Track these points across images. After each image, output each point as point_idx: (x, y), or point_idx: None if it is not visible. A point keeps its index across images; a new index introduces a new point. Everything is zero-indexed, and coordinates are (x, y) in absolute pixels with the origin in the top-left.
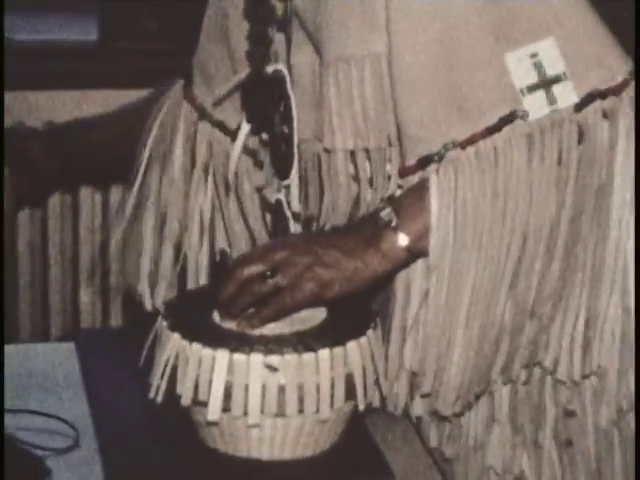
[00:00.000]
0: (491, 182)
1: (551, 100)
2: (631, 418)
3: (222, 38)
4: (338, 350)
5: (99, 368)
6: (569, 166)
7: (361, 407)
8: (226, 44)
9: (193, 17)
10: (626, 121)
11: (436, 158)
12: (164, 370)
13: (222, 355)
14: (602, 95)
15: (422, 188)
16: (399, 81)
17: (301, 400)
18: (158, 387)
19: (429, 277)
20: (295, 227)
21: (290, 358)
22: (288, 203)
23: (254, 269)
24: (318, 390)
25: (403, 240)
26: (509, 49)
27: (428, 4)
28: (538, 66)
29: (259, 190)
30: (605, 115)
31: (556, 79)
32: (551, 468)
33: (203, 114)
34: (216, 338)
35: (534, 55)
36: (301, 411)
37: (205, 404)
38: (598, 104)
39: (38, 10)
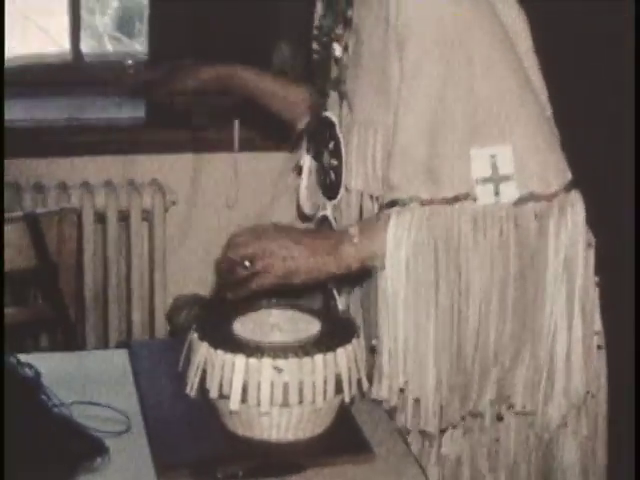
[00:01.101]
0: (440, 236)
1: (497, 193)
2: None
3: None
4: (329, 355)
5: (146, 370)
6: (508, 242)
7: (347, 399)
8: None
9: (217, 97)
10: (554, 223)
11: (400, 203)
12: (196, 371)
13: (240, 359)
14: (536, 198)
15: (385, 220)
16: (395, 146)
17: (301, 394)
18: (192, 384)
19: (394, 302)
20: None
21: (292, 361)
22: (334, 218)
23: (241, 252)
24: (314, 386)
25: (358, 254)
26: (476, 146)
27: (426, 95)
28: (494, 165)
29: None
30: (536, 215)
31: (505, 178)
32: (482, 457)
33: None
34: (235, 346)
35: (493, 156)
36: (301, 402)
37: (228, 397)
38: (531, 205)
39: (103, 95)
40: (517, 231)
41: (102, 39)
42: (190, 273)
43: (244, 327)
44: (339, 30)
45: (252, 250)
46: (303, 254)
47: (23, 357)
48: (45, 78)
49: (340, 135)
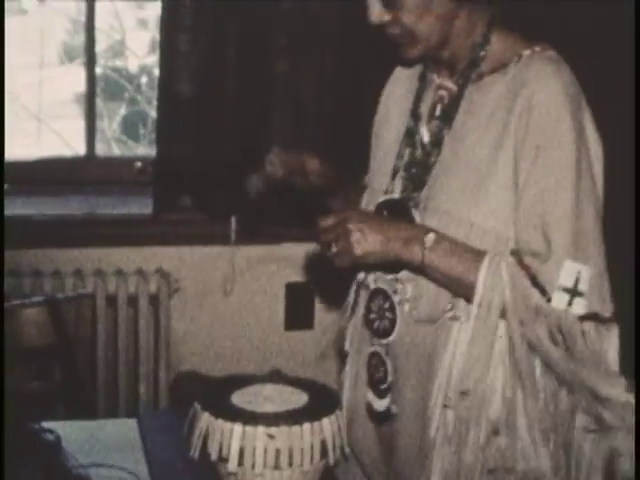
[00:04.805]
0: (518, 299)
1: (570, 304)
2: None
3: None
4: (316, 424)
5: (153, 436)
6: (566, 345)
7: (331, 462)
8: None
9: (217, 196)
10: (605, 345)
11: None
12: (199, 437)
13: (237, 427)
14: (596, 319)
15: (477, 256)
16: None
17: (291, 458)
18: (195, 448)
19: None
20: None
21: (284, 429)
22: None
23: (325, 237)
24: (302, 451)
25: (422, 258)
26: (570, 258)
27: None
28: (577, 279)
29: None
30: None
31: (580, 294)
32: None
33: None
34: (233, 415)
35: (579, 272)
36: (291, 465)
37: (226, 460)
38: (590, 324)
39: (117, 194)
40: (578, 342)
41: (110, 142)
42: (191, 351)
43: (241, 399)
44: (432, 125)
45: (334, 235)
46: (377, 239)
47: (45, 424)
48: (63, 178)
49: (415, 215)
